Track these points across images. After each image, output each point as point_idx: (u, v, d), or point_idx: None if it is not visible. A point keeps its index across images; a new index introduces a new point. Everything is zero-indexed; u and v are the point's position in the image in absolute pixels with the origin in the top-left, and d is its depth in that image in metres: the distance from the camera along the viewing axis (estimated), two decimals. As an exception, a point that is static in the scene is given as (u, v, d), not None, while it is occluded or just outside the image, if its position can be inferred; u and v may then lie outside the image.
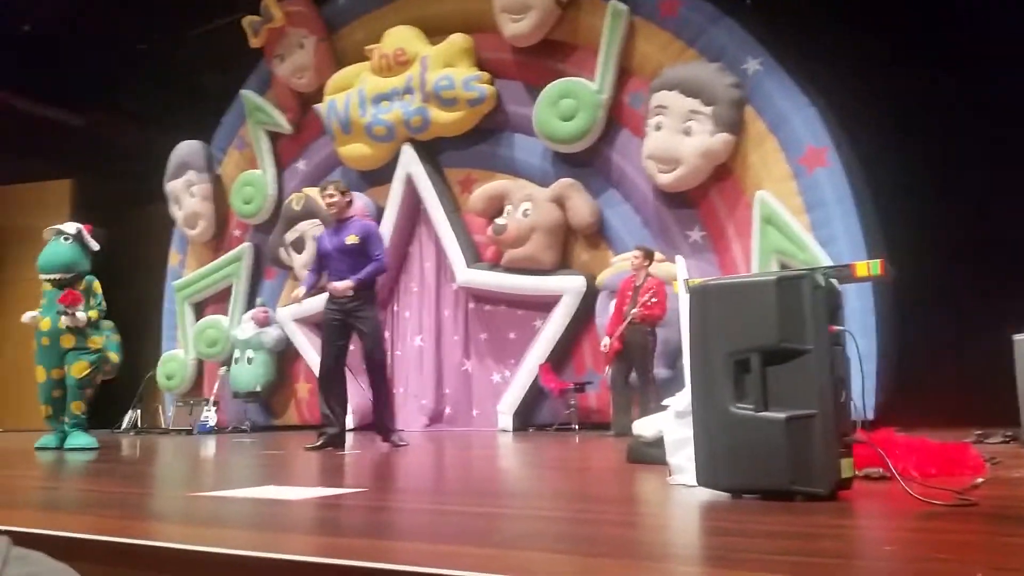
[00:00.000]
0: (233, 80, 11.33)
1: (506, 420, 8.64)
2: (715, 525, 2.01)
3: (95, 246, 6.18)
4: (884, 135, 7.64)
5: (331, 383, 5.50)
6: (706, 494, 2.37)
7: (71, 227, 6.08)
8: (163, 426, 10.49)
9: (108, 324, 6.61)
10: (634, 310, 6.56)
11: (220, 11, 11.49)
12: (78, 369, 5.84)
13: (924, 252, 7.00)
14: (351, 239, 5.50)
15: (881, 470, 2.47)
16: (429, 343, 9.59)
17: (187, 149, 11.37)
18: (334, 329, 5.53)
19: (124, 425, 10.22)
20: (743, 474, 2.26)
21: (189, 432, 9.88)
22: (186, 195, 11.25)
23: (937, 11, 7.60)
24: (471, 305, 9.39)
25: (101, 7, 11.70)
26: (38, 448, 5.87)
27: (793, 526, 1.86)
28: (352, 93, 9.94)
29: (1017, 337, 4.34)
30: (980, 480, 2.47)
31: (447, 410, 9.44)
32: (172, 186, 11.38)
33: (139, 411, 10.13)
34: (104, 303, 6.06)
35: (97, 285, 6.06)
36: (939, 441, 2.94)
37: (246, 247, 11.09)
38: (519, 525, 2.01)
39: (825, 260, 6.72)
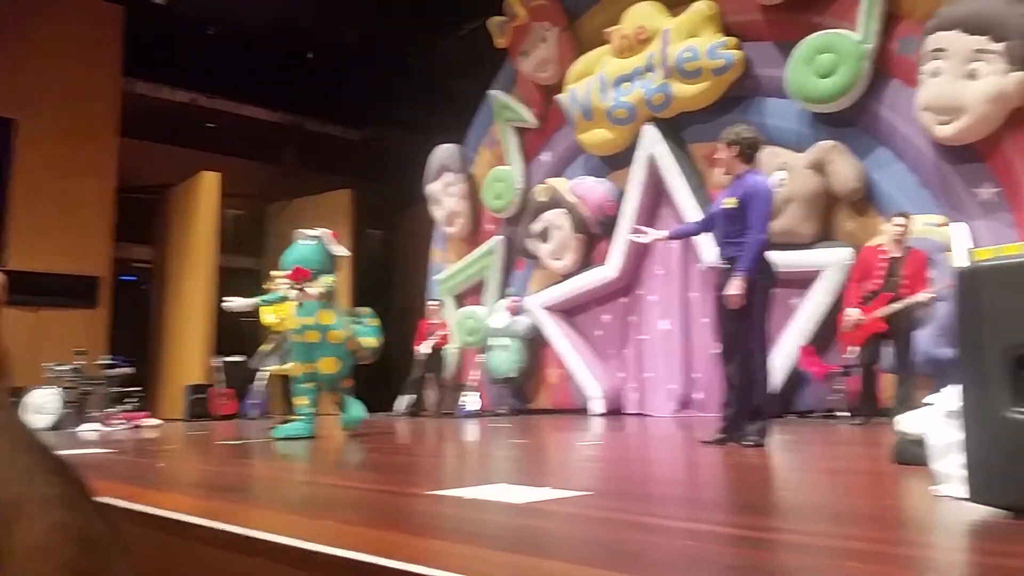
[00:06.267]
0: (483, 81, 11.85)
1: (762, 405, 8.20)
2: (990, 563, 1.65)
3: (337, 250, 6.34)
4: None
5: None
6: (980, 512, 1.98)
7: (315, 231, 6.36)
8: (428, 410, 11.25)
9: (366, 310, 6.95)
10: (928, 294, 5.76)
11: (469, 16, 12.08)
12: (326, 365, 6.12)
13: None
14: (728, 202, 4.60)
15: None
16: (676, 327, 9.38)
17: (444, 152, 12.09)
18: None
19: (398, 409, 11.10)
20: (1026, 491, 1.86)
21: (454, 415, 10.65)
22: (445, 195, 11.98)
23: None
24: (722, 286, 9.03)
25: (368, 29, 12.82)
26: (280, 438, 6.10)
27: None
28: (592, 79, 9.95)
29: None
30: None
31: (698, 395, 9.13)
32: (432, 188, 12.16)
33: (411, 396, 10.89)
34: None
35: (332, 283, 6.19)
36: None
37: (497, 240, 11.59)
38: (772, 556, 1.78)
39: None
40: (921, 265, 5.95)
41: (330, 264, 6.34)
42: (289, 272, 6.18)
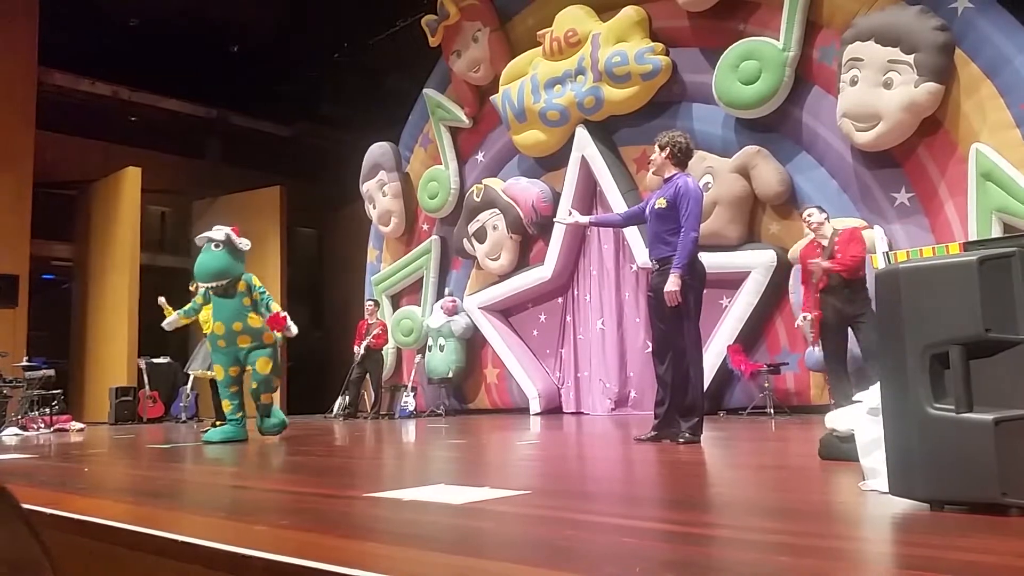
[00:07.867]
0: (416, 80, 11.79)
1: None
2: (913, 554, 1.72)
3: (244, 246, 6.12)
4: None
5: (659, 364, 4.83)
6: (902, 505, 2.07)
7: (219, 233, 6.05)
8: (366, 410, 11.15)
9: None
10: (824, 263, 5.55)
11: (401, 15, 11.99)
12: (262, 365, 6.10)
13: None
14: (659, 202, 4.72)
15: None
16: (611, 326, 9.54)
17: (378, 151, 11.97)
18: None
19: (334, 411, 10.96)
20: (944, 483, 1.94)
21: (391, 416, 10.59)
22: (379, 194, 11.87)
23: None
24: (652, 286, 9.24)
25: (300, 24, 12.60)
26: (210, 441, 6.03)
27: (1008, 552, 1.57)
28: (525, 80, 10.02)
29: None
30: None
31: (632, 393, 9.34)
32: (367, 187, 12.04)
33: (347, 397, 10.75)
34: (266, 291, 6.19)
35: (256, 280, 6.15)
36: None
37: (434, 240, 11.56)
38: (706, 551, 1.82)
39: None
40: (851, 235, 5.84)
41: (241, 265, 6.14)
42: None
